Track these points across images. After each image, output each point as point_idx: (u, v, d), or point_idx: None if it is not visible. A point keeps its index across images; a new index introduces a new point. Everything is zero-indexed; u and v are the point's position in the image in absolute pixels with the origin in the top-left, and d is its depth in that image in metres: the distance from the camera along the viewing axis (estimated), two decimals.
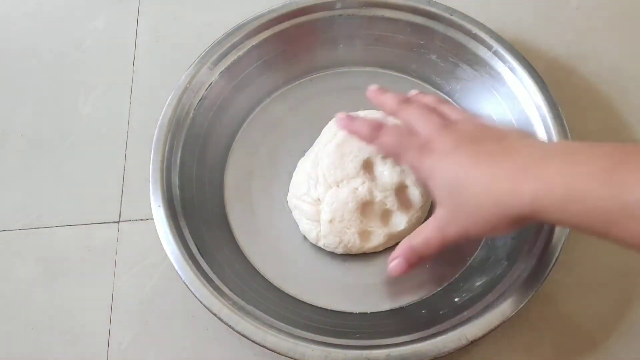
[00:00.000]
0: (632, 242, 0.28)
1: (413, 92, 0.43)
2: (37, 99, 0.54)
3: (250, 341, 0.38)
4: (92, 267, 0.46)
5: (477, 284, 0.42)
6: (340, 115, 0.43)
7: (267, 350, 0.38)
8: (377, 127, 0.40)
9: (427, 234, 0.38)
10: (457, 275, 0.44)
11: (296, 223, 0.46)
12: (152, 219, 0.48)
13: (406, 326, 0.40)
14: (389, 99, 0.42)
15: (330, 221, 0.43)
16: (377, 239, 0.44)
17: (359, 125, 0.41)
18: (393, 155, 0.42)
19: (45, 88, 0.55)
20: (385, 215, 0.44)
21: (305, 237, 0.45)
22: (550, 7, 0.57)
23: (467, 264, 0.44)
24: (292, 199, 0.46)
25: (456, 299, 0.41)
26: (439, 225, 0.37)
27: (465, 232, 0.36)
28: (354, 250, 0.44)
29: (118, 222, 0.48)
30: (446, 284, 0.43)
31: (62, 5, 0.59)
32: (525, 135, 0.36)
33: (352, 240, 0.43)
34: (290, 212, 0.46)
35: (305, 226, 0.45)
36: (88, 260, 0.47)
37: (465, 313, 0.39)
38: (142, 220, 0.48)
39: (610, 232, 0.29)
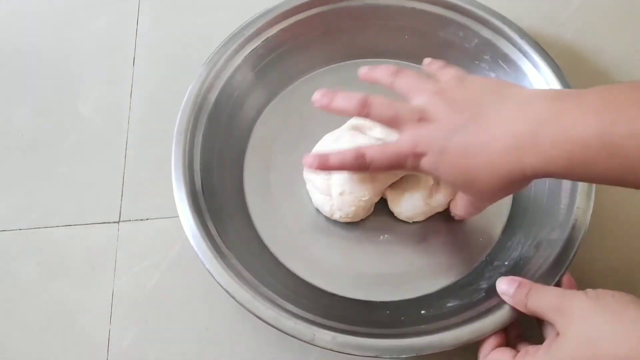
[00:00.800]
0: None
1: (426, 61, 0.43)
2: (37, 99, 0.54)
3: (250, 340, 0.38)
4: (92, 267, 0.46)
5: (449, 304, 0.42)
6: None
7: (268, 349, 0.38)
8: (360, 157, 0.39)
9: (463, 209, 0.43)
10: (435, 291, 0.44)
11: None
12: (152, 218, 0.48)
13: (366, 319, 0.41)
14: (380, 73, 0.41)
15: (341, 194, 0.43)
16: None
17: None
18: (394, 170, 0.41)
19: (45, 88, 0.55)
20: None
21: (318, 211, 0.46)
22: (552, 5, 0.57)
23: (450, 283, 0.44)
24: (306, 172, 0.46)
25: (422, 312, 0.42)
26: (468, 203, 0.42)
27: (489, 200, 0.39)
28: (368, 212, 0.45)
29: (118, 222, 0.48)
30: (422, 295, 0.43)
31: (62, 5, 0.59)
32: (500, 90, 0.36)
33: (367, 206, 0.44)
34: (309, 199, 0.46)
35: (318, 200, 0.45)
36: (88, 260, 0.47)
37: (422, 327, 0.39)
38: (142, 220, 0.48)
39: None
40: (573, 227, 0.41)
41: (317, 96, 0.40)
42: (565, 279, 0.40)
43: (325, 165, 0.40)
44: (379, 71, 0.41)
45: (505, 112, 0.34)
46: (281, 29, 0.49)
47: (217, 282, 0.39)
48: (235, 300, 0.39)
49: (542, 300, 0.36)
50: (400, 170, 0.41)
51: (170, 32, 0.57)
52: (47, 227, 0.48)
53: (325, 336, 0.37)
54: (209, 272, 0.40)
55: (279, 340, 0.43)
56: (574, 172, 0.32)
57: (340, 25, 0.51)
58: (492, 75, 0.50)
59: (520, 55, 0.48)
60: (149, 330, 0.44)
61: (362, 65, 0.42)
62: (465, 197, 0.41)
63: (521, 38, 0.47)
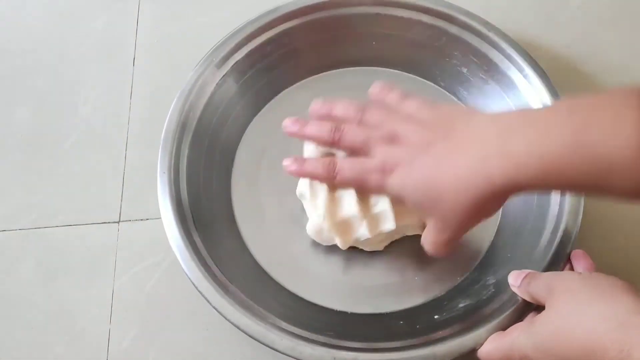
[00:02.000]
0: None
1: (376, 87, 0.42)
2: (37, 99, 0.54)
3: (250, 340, 0.38)
4: (92, 267, 0.46)
5: (460, 305, 0.42)
6: (286, 162, 0.41)
7: (267, 349, 0.38)
8: (331, 165, 0.39)
9: (431, 240, 0.38)
10: (444, 293, 0.43)
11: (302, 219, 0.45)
12: (152, 219, 0.48)
13: (381, 333, 0.40)
14: (345, 110, 0.40)
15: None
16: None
17: (312, 167, 0.40)
18: (358, 186, 0.40)
19: (45, 88, 0.55)
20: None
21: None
22: (551, 5, 0.57)
23: (457, 284, 0.44)
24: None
25: (436, 317, 0.41)
26: (436, 230, 0.37)
27: (458, 226, 0.36)
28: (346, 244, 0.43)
29: (118, 222, 0.48)
30: (431, 299, 0.43)
31: (62, 5, 0.59)
32: (471, 112, 0.37)
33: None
34: (297, 209, 0.46)
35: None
36: (88, 260, 0.47)
37: (439, 332, 0.39)
38: (142, 220, 0.48)
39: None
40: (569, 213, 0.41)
41: (288, 123, 0.41)
42: (577, 254, 0.40)
43: (300, 171, 0.40)
44: (341, 107, 0.40)
45: (474, 127, 0.34)
46: (251, 49, 0.49)
47: (220, 313, 0.39)
48: (248, 334, 0.38)
49: (539, 283, 0.36)
50: (364, 188, 0.40)
51: (170, 32, 0.57)
52: (47, 227, 0.48)
53: (347, 356, 0.37)
54: (214, 308, 0.39)
55: None
56: (548, 180, 0.31)
57: (310, 39, 0.51)
58: (464, 70, 0.49)
59: (490, 47, 0.48)
60: (149, 331, 0.44)
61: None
62: (434, 227, 0.37)
63: (489, 30, 0.48)
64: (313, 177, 0.41)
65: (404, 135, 0.36)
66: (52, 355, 0.44)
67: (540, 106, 0.44)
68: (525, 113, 0.33)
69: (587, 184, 0.30)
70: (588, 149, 0.29)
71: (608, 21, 0.56)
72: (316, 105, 0.42)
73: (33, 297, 0.45)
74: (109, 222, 0.48)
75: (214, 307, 0.39)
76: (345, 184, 0.41)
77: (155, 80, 0.54)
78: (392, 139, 0.37)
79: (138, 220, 0.48)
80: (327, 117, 0.41)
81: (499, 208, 0.35)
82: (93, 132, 0.52)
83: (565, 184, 0.32)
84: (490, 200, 0.33)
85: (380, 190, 0.38)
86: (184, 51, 0.55)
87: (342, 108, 0.40)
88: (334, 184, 0.41)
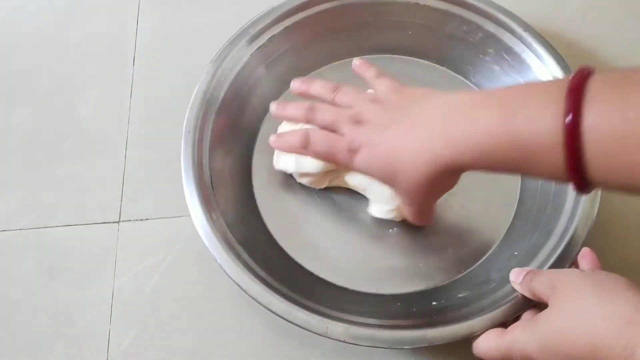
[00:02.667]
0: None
1: (356, 61, 0.45)
2: (37, 99, 0.54)
3: (250, 340, 0.38)
4: (92, 267, 0.46)
5: (460, 295, 0.42)
6: (272, 137, 0.44)
7: (269, 348, 0.38)
8: (305, 137, 0.41)
9: (406, 211, 0.43)
10: (446, 283, 0.44)
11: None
12: (152, 218, 0.48)
13: (377, 312, 0.41)
14: (319, 89, 0.43)
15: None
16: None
17: (288, 138, 0.43)
18: (328, 160, 0.43)
19: (45, 88, 0.54)
20: None
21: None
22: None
23: (460, 275, 0.44)
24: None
25: (434, 303, 0.42)
26: (404, 203, 0.42)
27: (420, 199, 0.39)
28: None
29: (118, 222, 0.48)
30: (432, 287, 0.44)
31: (62, 5, 0.59)
32: (429, 94, 0.38)
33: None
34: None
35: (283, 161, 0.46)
36: (88, 260, 0.47)
37: (434, 318, 0.39)
38: (142, 220, 0.48)
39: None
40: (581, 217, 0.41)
41: (297, 82, 0.45)
42: (584, 252, 0.40)
43: (279, 143, 0.44)
44: (316, 87, 0.44)
45: (426, 110, 0.36)
46: (286, 27, 0.50)
47: (229, 277, 0.39)
48: (248, 294, 0.39)
49: (542, 281, 0.36)
50: (334, 162, 0.42)
51: (170, 32, 0.57)
52: (47, 227, 0.48)
53: (338, 328, 0.37)
54: (220, 266, 0.40)
55: (281, 340, 0.43)
56: (482, 162, 0.33)
57: (344, 22, 0.51)
58: (497, 68, 0.50)
59: (524, 47, 0.48)
60: (149, 331, 0.44)
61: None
62: (402, 200, 0.42)
63: (525, 31, 0.48)
64: (290, 148, 0.44)
65: (368, 117, 0.39)
66: (52, 355, 0.43)
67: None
68: (469, 97, 0.35)
69: (517, 167, 0.33)
70: (515, 136, 0.31)
71: (613, 14, 0.56)
72: (295, 83, 0.45)
73: (33, 297, 0.45)
74: (109, 222, 0.48)
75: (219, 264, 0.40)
76: (316, 156, 0.43)
77: (155, 80, 0.54)
78: (358, 120, 0.39)
79: (138, 220, 0.48)
80: (304, 95, 0.44)
81: (453, 184, 0.38)
82: (93, 132, 0.52)
83: (499, 167, 0.33)
84: (440, 177, 0.35)
85: (349, 167, 0.42)
86: (184, 51, 0.55)
87: (317, 87, 0.43)
88: (306, 154, 0.43)
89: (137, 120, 0.52)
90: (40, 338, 0.44)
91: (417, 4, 0.50)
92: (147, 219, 0.48)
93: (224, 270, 0.40)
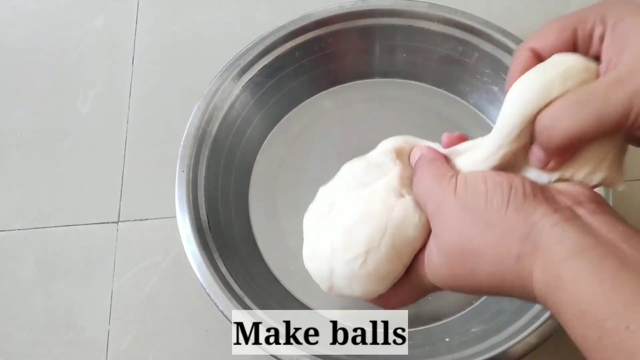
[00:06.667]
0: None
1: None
2: (37, 99, 0.54)
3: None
4: (91, 267, 0.46)
5: (473, 329, 0.41)
6: None
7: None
8: None
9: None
10: (456, 316, 0.43)
11: None
12: (151, 219, 0.48)
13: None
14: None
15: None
16: None
17: None
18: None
19: (44, 87, 0.54)
20: None
21: None
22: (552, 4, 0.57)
23: (472, 307, 0.43)
24: None
25: (447, 339, 0.41)
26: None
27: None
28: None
29: (117, 222, 0.48)
30: (444, 322, 0.43)
31: (61, 5, 0.59)
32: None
33: None
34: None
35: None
36: (87, 260, 0.47)
37: (449, 356, 0.38)
38: (141, 220, 0.48)
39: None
40: None
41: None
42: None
43: None
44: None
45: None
46: (276, 57, 0.48)
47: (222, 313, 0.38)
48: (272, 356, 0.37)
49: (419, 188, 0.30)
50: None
51: (169, 32, 0.57)
52: (46, 227, 0.48)
53: None
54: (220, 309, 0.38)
55: None
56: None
57: (337, 48, 0.50)
58: (495, 88, 0.48)
59: None
60: (148, 331, 0.44)
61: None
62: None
63: None
64: None
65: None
66: (51, 355, 0.44)
67: None
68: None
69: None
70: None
71: None
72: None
73: (32, 297, 0.45)
74: (108, 222, 0.48)
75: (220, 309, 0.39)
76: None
77: (154, 79, 0.54)
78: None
79: (137, 220, 0.48)
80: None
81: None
82: (92, 132, 0.52)
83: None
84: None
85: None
86: (183, 50, 0.55)
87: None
88: None
89: (136, 120, 0.52)
90: (39, 338, 0.44)
91: (410, 26, 0.49)
92: (147, 219, 0.48)
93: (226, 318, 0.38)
